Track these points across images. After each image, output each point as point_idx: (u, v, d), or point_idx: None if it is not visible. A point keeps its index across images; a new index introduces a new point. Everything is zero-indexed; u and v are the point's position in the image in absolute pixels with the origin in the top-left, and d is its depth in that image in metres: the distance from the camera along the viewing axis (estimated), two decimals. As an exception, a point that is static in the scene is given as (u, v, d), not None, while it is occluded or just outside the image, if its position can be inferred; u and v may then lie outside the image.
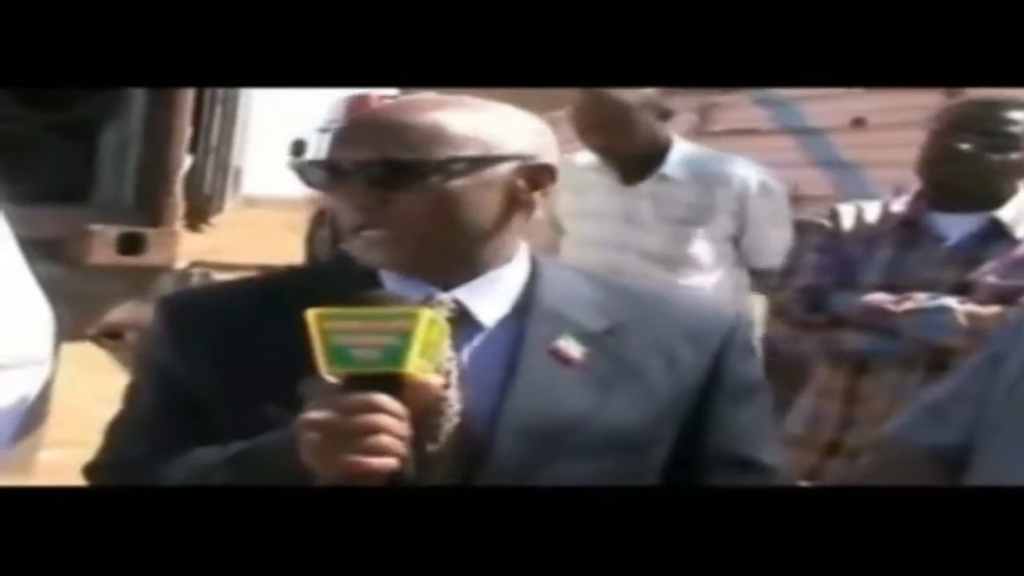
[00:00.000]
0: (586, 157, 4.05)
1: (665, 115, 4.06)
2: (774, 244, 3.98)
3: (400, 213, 1.71)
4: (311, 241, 15.55)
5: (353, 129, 1.79)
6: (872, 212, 3.40)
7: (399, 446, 1.54)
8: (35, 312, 2.30)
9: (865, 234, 3.35)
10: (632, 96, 3.88)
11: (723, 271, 4.01)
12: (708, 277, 3.95)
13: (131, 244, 4.51)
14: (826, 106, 8.39)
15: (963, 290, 3.16)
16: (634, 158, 3.98)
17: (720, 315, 1.89)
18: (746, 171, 4.07)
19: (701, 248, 3.97)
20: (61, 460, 1.89)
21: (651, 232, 3.95)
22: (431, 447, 1.69)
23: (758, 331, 3.36)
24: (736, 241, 4.03)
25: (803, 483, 3.36)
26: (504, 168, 1.75)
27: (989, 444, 2.09)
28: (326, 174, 1.76)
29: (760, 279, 4.08)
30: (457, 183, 1.72)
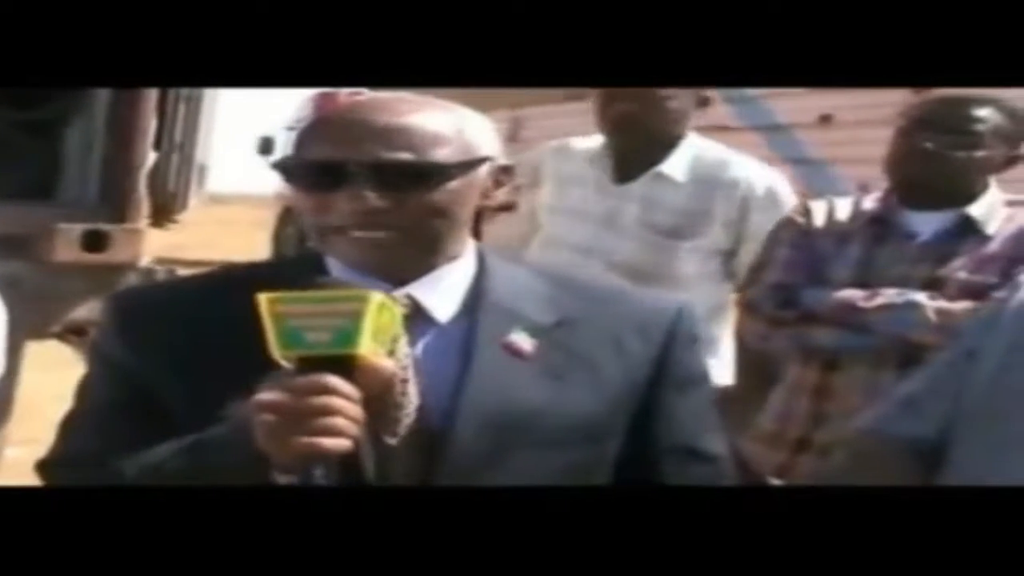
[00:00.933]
0: (583, 144, 3.78)
1: (703, 101, 3.75)
2: None
3: (407, 215, 1.73)
4: (278, 238, 15.53)
5: (334, 127, 1.77)
6: (844, 209, 3.40)
7: (352, 428, 1.55)
8: None
9: (837, 231, 3.35)
10: None
11: (703, 288, 3.57)
12: (688, 293, 3.40)
13: (95, 241, 4.49)
14: (793, 103, 8.43)
15: (934, 286, 3.16)
16: (642, 143, 3.63)
17: (665, 308, 1.91)
18: (754, 176, 3.66)
19: (681, 262, 3.59)
20: (26, 458, 1.88)
21: (629, 239, 3.59)
22: (391, 441, 1.71)
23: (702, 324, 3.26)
24: (729, 255, 3.65)
25: (773, 479, 3.38)
26: (483, 170, 1.80)
27: (966, 440, 2.10)
28: (321, 174, 1.74)
29: None
30: (453, 185, 1.75)
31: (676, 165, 3.61)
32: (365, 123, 1.74)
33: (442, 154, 1.74)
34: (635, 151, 3.64)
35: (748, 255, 3.60)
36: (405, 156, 1.72)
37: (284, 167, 1.79)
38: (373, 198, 1.70)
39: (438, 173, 1.73)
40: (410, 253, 1.76)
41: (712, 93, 9.19)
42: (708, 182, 3.61)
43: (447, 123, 1.77)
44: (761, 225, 3.58)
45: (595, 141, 3.76)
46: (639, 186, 3.63)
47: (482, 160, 1.79)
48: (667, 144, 3.63)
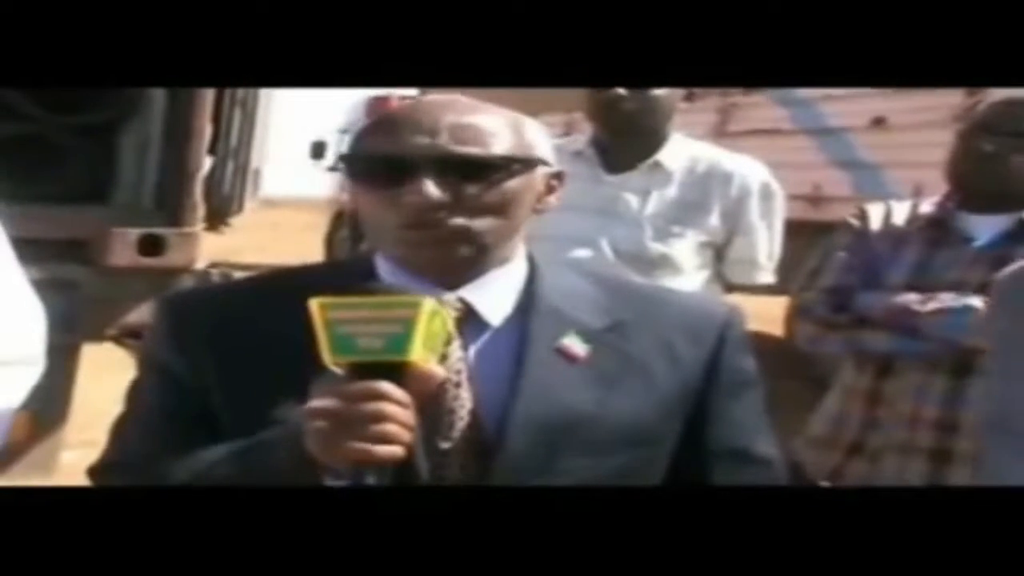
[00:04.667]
0: (564, 141, 3.75)
1: (689, 96, 3.80)
2: (763, 256, 3.69)
3: (467, 211, 1.72)
4: (331, 242, 15.59)
5: (397, 124, 1.76)
6: (901, 212, 3.38)
7: (404, 434, 1.55)
8: (27, 312, 2.30)
9: (893, 234, 3.33)
10: None
11: (700, 280, 3.61)
12: (686, 281, 3.56)
13: (152, 245, 4.51)
14: (846, 106, 8.39)
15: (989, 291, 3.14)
16: (635, 138, 3.65)
17: (715, 311, 1.92)
18: (748, 170, 3.69)
19: (681, 251, 3.58)
20: (82, 461, 1.90)
21: (630, 227, 3.57)
22: (444, 445, 1.72)
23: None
24: (720, 251, 3.65)
25: (825, 483, 3.37)
26: (539, 172, 1.80)
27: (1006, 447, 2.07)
28: (384, 168, 1.73)
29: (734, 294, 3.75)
30: (513, 182, 1.75)
31: (671, 157, 3.64)
32: (429, 119, 1.73)
33: (505, 149, 1.74)
34: (627, 145, 3.65)
35: (738, 250, 3.64)
36: (470, 150, 1.72)
37: (348, 162, 1.79)
38: (436, 192, 1.70)
39: (501, 168, 1.73)
40: (464, 253, 1.75)
41: (760, 97, 9.23)
42: (704, 174, 3.63)
43: (508, 123, 1.78)
44: (755, 214, 3.62)
45: (578, 139, 3.79)
46: (638, 175, 3.63)
47: (539, 161, 1.80)
48: (659, 138, 3.66)
